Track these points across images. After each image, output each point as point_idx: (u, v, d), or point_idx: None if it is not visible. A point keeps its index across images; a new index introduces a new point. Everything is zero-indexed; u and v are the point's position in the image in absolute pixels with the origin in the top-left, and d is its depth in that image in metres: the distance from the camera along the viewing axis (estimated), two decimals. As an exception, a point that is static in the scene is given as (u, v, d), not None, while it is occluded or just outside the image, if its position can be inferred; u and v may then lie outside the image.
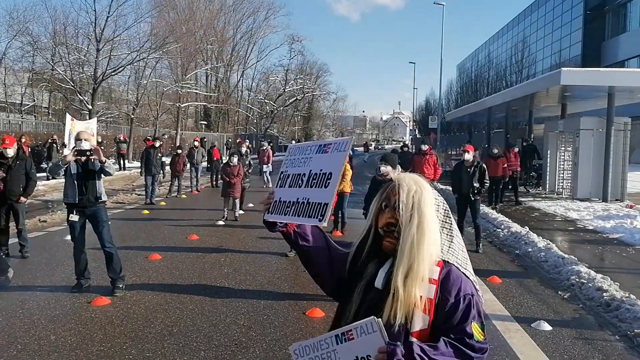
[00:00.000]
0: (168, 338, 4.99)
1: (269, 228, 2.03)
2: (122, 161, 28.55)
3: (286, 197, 2.03)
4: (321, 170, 1.96)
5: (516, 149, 15.36)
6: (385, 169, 6.93)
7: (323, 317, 5.59)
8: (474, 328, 1.67)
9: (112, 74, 32.80)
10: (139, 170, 16.65)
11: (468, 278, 1.74)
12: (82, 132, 6.68)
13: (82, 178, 6.30)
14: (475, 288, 1.75)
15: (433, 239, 1.71)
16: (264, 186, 19.91)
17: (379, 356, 1.57)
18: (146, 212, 13.51)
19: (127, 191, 18.51)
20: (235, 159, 12.30)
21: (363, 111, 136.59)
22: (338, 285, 1.94)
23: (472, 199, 9.28)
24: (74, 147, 6.37)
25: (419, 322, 1.66)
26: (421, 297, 1.67)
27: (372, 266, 1.80)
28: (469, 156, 9.41)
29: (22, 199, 8.23)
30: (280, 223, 1.99)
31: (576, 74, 15.68)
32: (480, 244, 9.35)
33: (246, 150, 14.94)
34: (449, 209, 1.81)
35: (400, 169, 7.37)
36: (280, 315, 5.75)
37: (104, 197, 6.53)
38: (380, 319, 1.60)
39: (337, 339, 1.65)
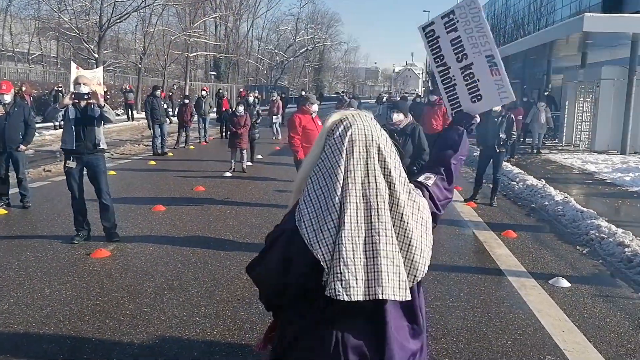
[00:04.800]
0: (168, 292, 4.78)
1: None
2: (129, 111, 28.21)
3: None
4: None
5: None
6: (398, 116, 6.56)
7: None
8: None
9: (118, 21, 31.98)
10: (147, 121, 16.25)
11: None
12: (80, 76, 6.33)
13: (80, 123, 5.99)
14: None
15: None
16: (274, 138, 19.53)
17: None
18: (153, 162, 13.26)
19: (135, 141, 18.26)
20: (241, 109, 11.92)
21: (375, 63, 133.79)
22: None
23: (497, 151, 8.88)
24: (71, 91, 6.05)
25: None
26: None
27: None
28: (497, 106, 8.94)
29: (22, 147, 7.98)
30: None
31: (599, 20, 14.92)
32: (495, 198, 9.02)
33: (254, 100, 14.50)
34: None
35: (411, 118, 7.01)
36: (286, 269, 5.51)
37: (103, 145, 6.21)
38: None
39: None
